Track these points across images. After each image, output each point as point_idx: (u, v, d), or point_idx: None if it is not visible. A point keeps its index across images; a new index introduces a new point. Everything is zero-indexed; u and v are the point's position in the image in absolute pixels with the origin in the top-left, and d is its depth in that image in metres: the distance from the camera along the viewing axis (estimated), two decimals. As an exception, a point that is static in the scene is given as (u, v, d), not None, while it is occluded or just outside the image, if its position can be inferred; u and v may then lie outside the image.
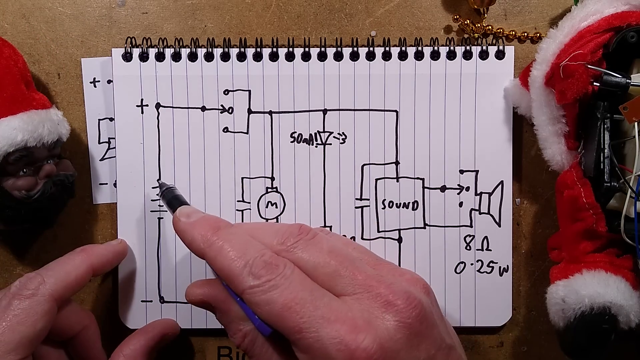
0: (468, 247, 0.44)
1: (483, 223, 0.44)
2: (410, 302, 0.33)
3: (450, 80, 0.43)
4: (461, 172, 0.44)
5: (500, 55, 0.43)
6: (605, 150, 0.37)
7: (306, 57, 0.43)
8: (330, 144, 0.44)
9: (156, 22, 0.44)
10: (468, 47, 0.43)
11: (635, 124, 0.36)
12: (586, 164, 0.39)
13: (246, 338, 0.36)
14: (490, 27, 0.44)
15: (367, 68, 0.43)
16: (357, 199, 0.44)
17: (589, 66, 0.37)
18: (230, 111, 0.44)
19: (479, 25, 0.44)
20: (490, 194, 0.44)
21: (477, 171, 0.44)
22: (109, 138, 0.44)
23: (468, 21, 0.43)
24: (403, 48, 0.43)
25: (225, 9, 0.44)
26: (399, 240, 0.44)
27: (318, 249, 0.35)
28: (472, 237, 0.44)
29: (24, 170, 0.39)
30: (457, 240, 0.44)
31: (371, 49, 0.43)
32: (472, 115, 0.43)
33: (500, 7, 0.44)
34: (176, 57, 0.43)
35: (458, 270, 0.44)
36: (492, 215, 0.44)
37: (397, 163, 0.44)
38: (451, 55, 0.43)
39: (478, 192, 0.44)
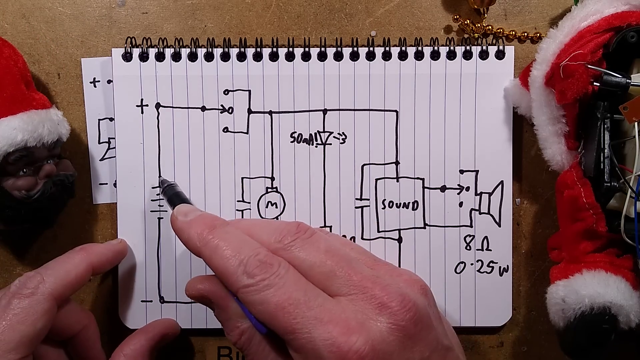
0: (468, 247, 0.44)
1: (483, 223, 0.44)
2: (404, 305, 0.33)
3: (450, 80, 0.43)
4: (461, 172, 0.44)
5: (500, 55, 0.43)
6: (605, 150, 0.37)
7: (306, 57, 0.43)
8: (330, 144, 0.44)
9: (156, 22, 0.44)
10: (468, 47, 0.43)
11: (635, 124, 0.36)
12: (586, 164, 0.39)
13: (243, 336, 0.36)
14: (490, 27, 0.44)
15: (367, 68, 0.43)
16: (357, 199, 0.44)
17: (589, 66, 0.37)
18: (230, 111, 0.44)
19: (479, 25, 0.44)
20: (490, 194, 0.44)
21: (477, 171, 0.44)
22: (109, 138, 0.44)
23: (468, 21, 0.43)
24: (403, 48, 0.43)
25: (225, 9, 0.44)
26: (399, 240, 0.44)
27: (315, 248, 0.35)
28: (472, 237, 0.44)
29: (24, 170, 0.39)
30: (457, 240, 0.44)
31: (371, 49, 0.43)
32: (472, 115, 0.43)
33: (500, 7, 0.44)
34: (176, 57, 0.43)
35: (458, 270, 0.44)
36: (492, 215, 0.44)
37: (397, 163, 0.44)
38: (451, 55, 0.43)
39: (478, 192, 0.44)
